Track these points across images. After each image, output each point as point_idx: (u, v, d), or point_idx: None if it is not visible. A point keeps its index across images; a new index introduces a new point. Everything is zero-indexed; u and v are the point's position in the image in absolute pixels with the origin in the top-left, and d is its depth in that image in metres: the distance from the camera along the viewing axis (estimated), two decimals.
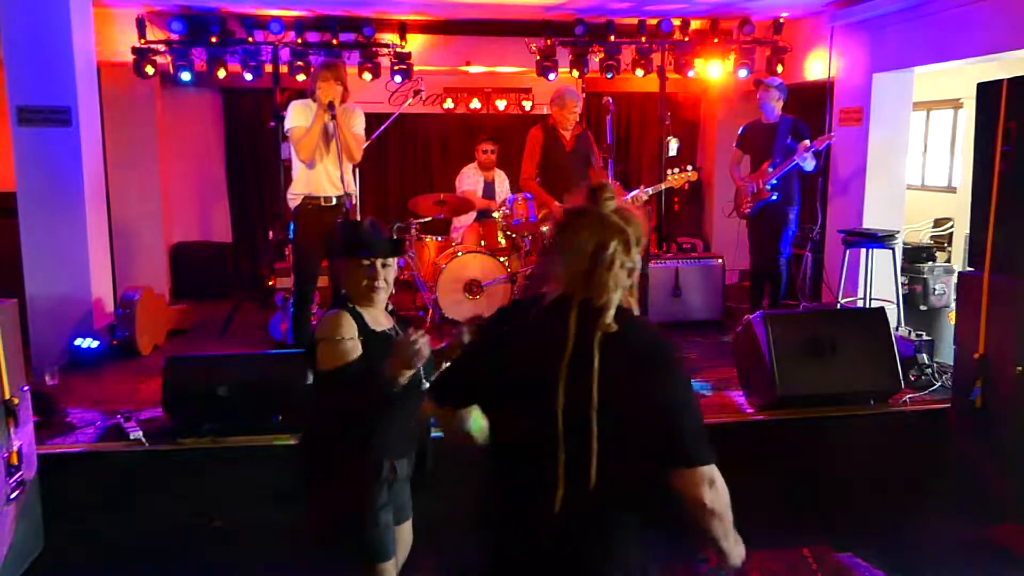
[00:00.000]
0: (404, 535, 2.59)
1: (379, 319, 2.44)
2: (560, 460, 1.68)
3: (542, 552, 1.76)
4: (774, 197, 5.91)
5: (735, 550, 1.76)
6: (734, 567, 1.77)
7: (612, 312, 1.73)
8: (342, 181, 4.81)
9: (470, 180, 7.17)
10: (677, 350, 1.82)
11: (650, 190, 5.59)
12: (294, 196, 4.97)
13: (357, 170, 5.54)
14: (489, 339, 1.96)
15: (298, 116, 4.79)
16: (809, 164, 5.91)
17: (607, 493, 1.69)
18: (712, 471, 1.70)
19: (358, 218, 5.20)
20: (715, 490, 1.70)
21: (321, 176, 4.86)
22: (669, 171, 5.59)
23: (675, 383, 1.75)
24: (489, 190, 7.16)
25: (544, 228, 5.49)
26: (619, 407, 1.67)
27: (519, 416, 1.78)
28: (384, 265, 2.42)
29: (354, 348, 2.30)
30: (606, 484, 1.68)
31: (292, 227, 5.14)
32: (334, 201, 4.89)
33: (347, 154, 4.78)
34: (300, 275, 5.08)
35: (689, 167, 5.60)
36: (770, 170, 5.91)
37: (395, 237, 2.85)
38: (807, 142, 5.89)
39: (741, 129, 6.33)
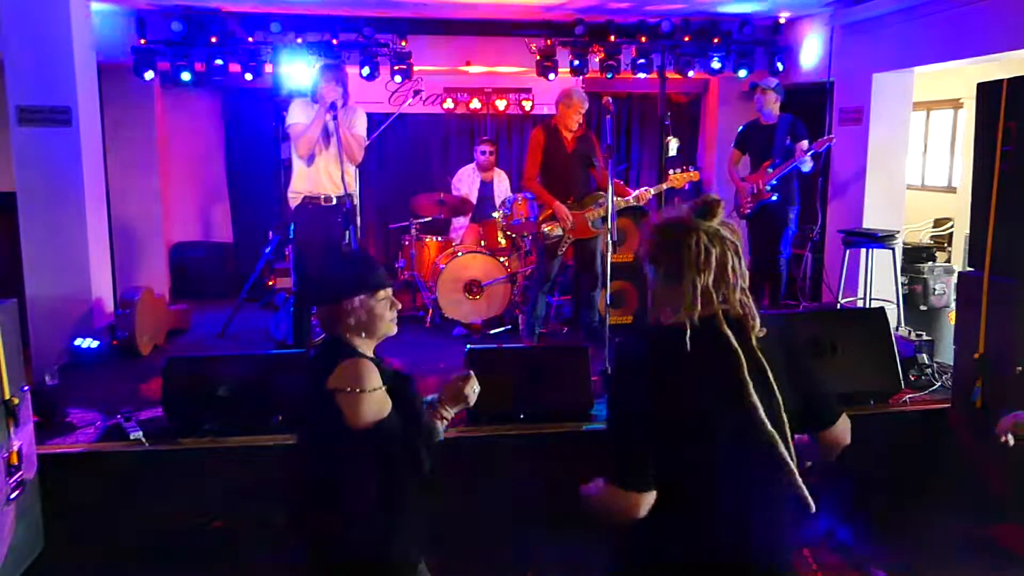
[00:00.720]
0: None
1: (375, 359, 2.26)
2: (789, 464, 1.73)
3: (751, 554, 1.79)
4: (774, 198, 5.91)
5: None
6: None
7: (759, 319, 1.80)
8: (343, 181, 4.83)
9: (464, 183, 7.17)
10: None
11: (652, 190, 5.60)
12: (294, 195, 4.98)
13: (357, 171, 5.55)
14: (646, 389, 1.78)
15: (299, 113, 4.81)
16: (807, 166, 5.92)
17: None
18: (846, 417, 1.90)
19: (358, 219, 5.20)
20: (848, 428, 1.90)
21: (322, 175, 4.87)
22: (671, 171, 5.59)
23: (808, 358, 1.91)
24: (487, 190, 7.16)
25: (546, 228, 5.49)
26: (790, 400, 1.77)
27: (713, 445, 1.75)
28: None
29: (385, 398, 2.10)
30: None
31: (292, 226, 5.15)
32: (334, 201, 4.90)
33: (347, 154, 4.80)
34: (300, 274, 5.09)
35: (690, 167, 5.60)
36: (770, 170, 5.92)
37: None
38: (805, 143, 5.90)
39: (740, 128, 6.34)
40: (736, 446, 1.74)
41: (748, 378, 1.72)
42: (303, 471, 2.27)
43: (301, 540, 2.26)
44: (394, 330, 2.23)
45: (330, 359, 2.11)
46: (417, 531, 2.24)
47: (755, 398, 1.72)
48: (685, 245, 1.76)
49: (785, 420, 1.75)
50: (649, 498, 1.76)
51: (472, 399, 2.20)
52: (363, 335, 2.17)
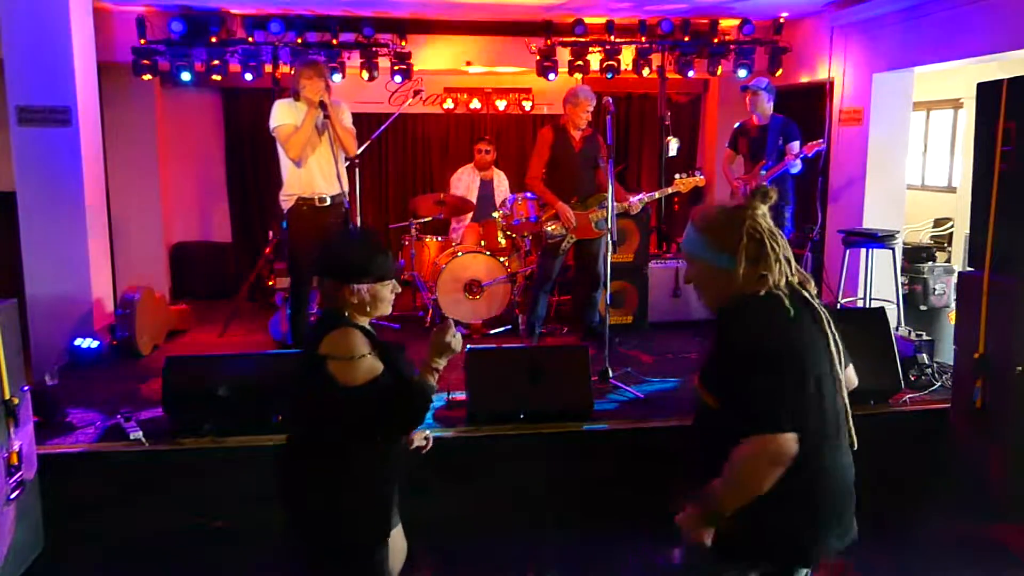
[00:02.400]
0: (398, 542, 2.54)
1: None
2: (851, 428, 2.05)
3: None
4: None
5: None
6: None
7: (815, 291, 2.10)
8: (338, 178, 4.81)
9: (463, 183, 7.16)
10: None
11: (656, 194, 5.62)
12: (287, 197, 4.96)
13: (356, 170, 5.54)
14: (793, 351, 1.96)
15: (284, 114, 4.77)
16: (795, 168, 5.93)
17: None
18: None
19: (358, 219, 5.19)
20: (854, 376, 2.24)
21: (315, 174, 4.85)
22: (678, 175, 5.57)
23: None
24: (487, 190, 7.16)
25: (548, 227, 5.48)
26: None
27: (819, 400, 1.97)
28: None
29: (375, 361, 2.21)
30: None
31: (286, 229, 5.12)
32: (329, 201, 4.89)
33: (343, 147, 4.79)
34: (296, 277, 5.07)
35: (697, 172, 5.59)
36: (763, 172, 5.93)
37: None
38: (795, 145, 5.92)
39: (736, 126, 6.35)
40: (831, 407, 2.00)
41: (832, 348, 2.02)
42: (296, 440, 2.41)
43: (291, 514, 2.34)
44: (390, 310, 2.37)
45: (324, 329, 2.25)
46: (394, 495, 2.37)
47: (839, 359, 2.04)
48: (755, 227, 1.99)
49: (844, 388, 2.07)
50: (795, 438, 1.87)
51: (456, 344, 2.29)
52: (366, 311, 2.30)
